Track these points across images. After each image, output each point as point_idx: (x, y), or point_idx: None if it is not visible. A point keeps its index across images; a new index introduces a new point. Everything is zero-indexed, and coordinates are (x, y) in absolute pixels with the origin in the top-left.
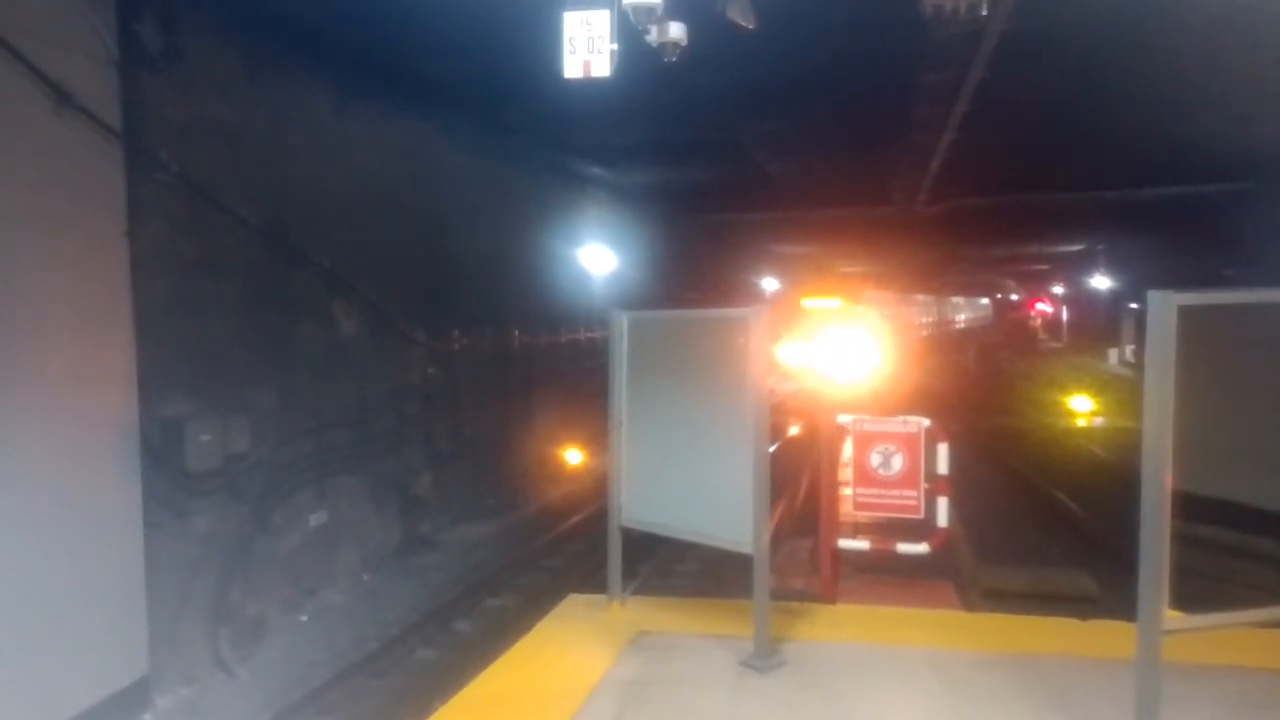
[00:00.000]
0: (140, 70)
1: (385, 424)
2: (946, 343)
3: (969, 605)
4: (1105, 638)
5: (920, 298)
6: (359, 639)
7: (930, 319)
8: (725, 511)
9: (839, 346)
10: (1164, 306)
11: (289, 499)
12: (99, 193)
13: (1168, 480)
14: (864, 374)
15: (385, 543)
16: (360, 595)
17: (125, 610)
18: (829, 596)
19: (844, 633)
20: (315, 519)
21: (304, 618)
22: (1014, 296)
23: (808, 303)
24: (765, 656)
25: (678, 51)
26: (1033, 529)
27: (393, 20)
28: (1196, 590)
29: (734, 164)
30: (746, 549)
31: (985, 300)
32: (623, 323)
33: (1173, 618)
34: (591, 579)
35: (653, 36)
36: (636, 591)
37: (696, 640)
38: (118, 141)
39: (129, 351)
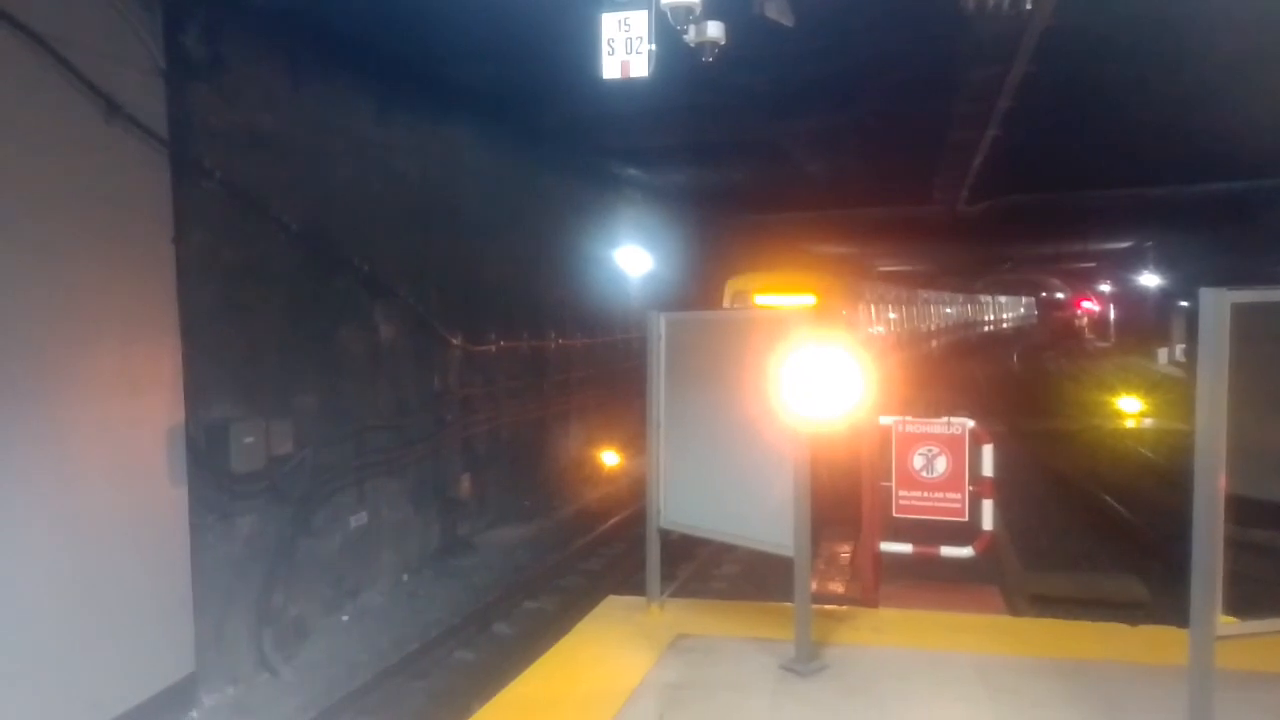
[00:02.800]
0: (186, 80)
1: (424, 427)
2: (978, 353)
3: (1015, 610)
4: (1156, 643)
5: (941, 294)
6: (399, 640)
7: (955, 320)
8: (765, 513)
9: (809, 366)
10: (1217, 304)
11: (330, 501)
12: (147, 201)
13: (1221, 483)
14: (846, 407)
15: (424, 544)
16: (400, 596)
17: (173, 610)
18: (870, 600)
19: (886, 637)
20: (356, 521)
21: (345, 618)
22: (1059, 295)
23: (764, 300)
24: (806, 660)
25: (715, 51)
26: (1080, 533)
27: (432, 27)
28: (1251, 595)
29: (772, 164)
30: (787, 551)
31: (1030, 298)
32: (660, 324)
33: (1226, 623)
34: (629, 582)
35: (691, 36)
36: (675, 594)
37: (736, 643)
38: (164, 150)
39: (175, 356)
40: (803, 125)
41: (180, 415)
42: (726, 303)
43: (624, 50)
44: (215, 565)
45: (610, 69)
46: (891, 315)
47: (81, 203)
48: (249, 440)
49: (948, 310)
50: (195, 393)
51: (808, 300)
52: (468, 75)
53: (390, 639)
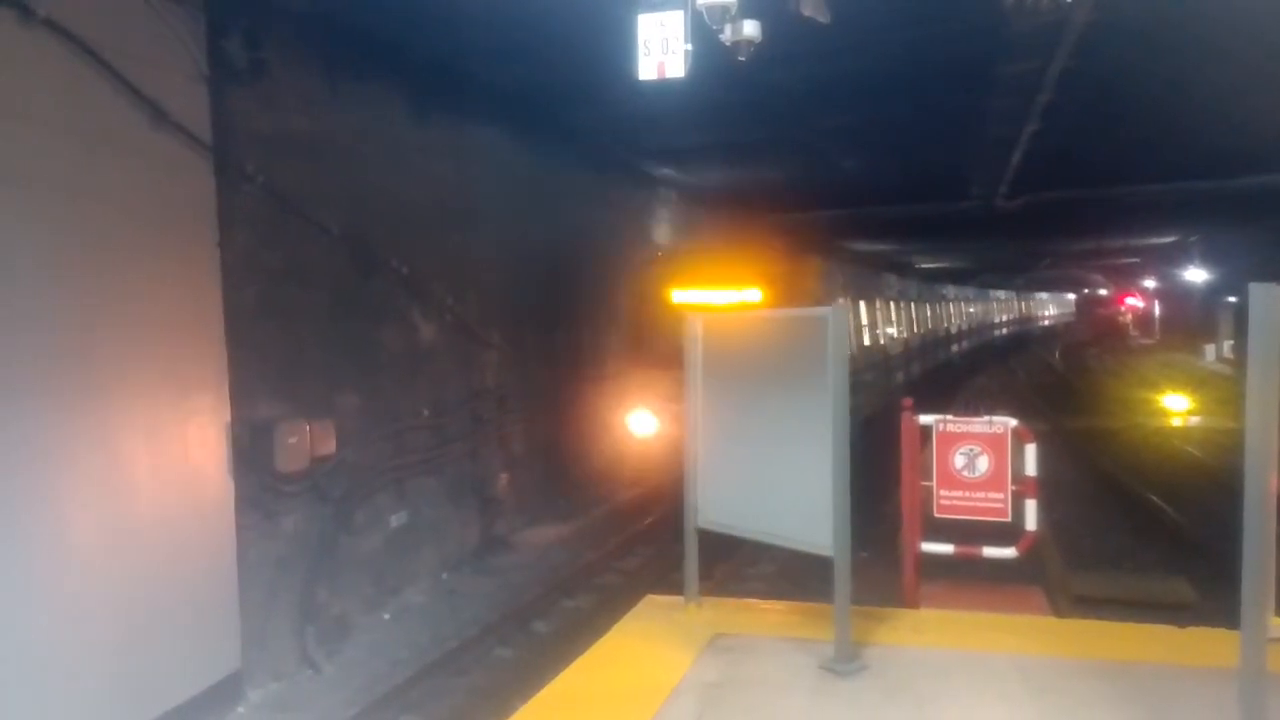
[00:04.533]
0: (228, 85)
1: (462, 426)
2: (1016, 353)
3: (1059, 612)
4: (1205, 645)
5: (965, 290)
6: (439, 637)
7: (983, 319)
8: (804, 513)
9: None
10: (1268, 299)
11: (371, 500)
12: (192, 204)
13: (1272, 482)
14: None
15: (463, 543)
16: (440, 594)
17: (219, 607)
18: (911, 601)
19: (927, 638)
20: (396, 519)
21: (386, 616)
22: (1102, 291)
23: (684, 297)
24: (846, 660)
25: (751, 50)
26: (1125, 533)
27: (467, 29)
28: None
29: (806, 161)
30: (826, 551)
31: (1072, 295)
32: (697, 324)
33: (1279, 625)
34: (665, 581)
35: (727, 35)
36: (712, 593)
37: (775, 643)
38: (208, 155)
39: (221, 357)
40: (837, 122)
41: (226, 416)
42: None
43: (660, 50)
44: (260, 563)
45: (646, 70)
46: (892, 317)
47: (130, 207)
48: (292, 440)
49: (971, 310)
50: (240, 393)
51: (752, 296)
52: (503, 77)
53: (431, 636)
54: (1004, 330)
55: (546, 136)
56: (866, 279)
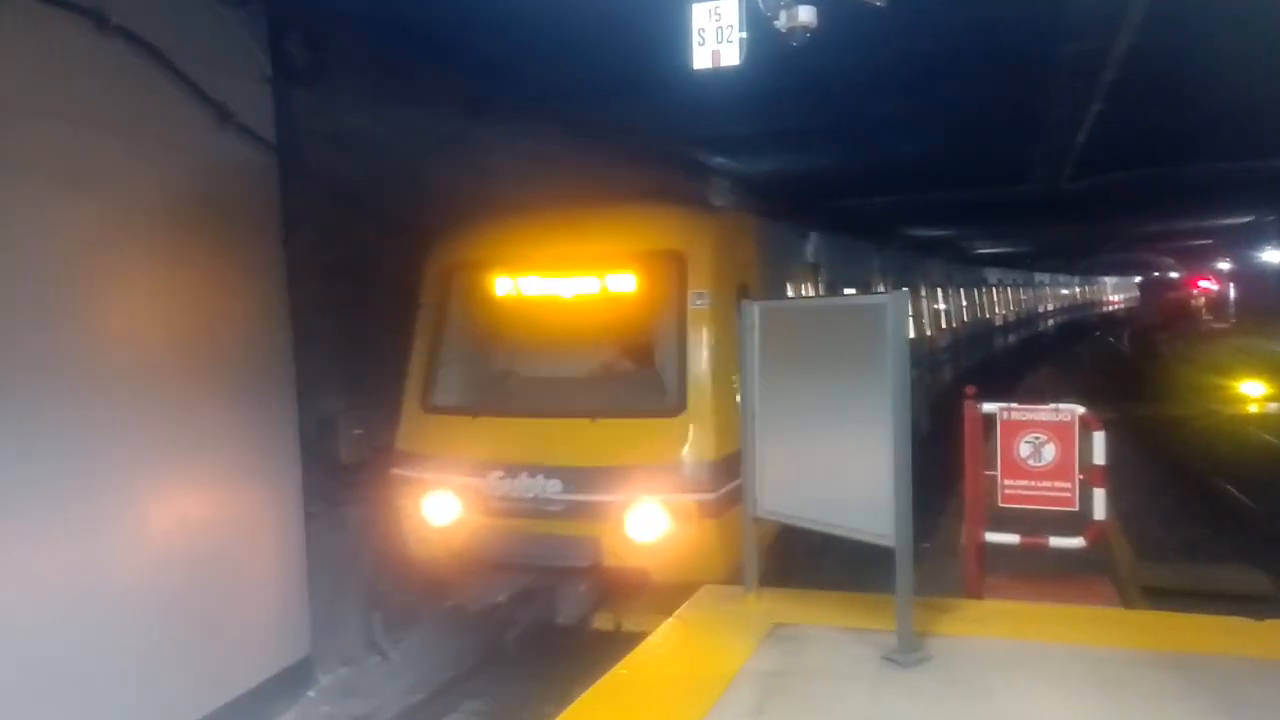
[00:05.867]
0: (290, 85)
1: None
2: (1083, 339)
3: (1128, 603)
4: None
5: (1010, 273)
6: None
7: (1032, 308)
8: (864, 502)
9: None
10: None
11: None
12: (257, 204)
13: None
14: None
15: None
16: None
17: (290, 595)
18: (974, 592)
19: (991, 629)
20: None
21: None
22: (1173, 275)
23: (511, 287)
24: (908, 651)
25: (806, 36)
26: (1198, 523)
27: (523, 27)
28: None
29: (861, 147)
30: (888, 541)
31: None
32: (754, 313)
33: None
34: None
35: (781, 22)
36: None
37: (835, 633)
38: (272, 154)
39: (288, 353)
40: (893, 105)
41: (293, 409)
42: (429, 286)
43: (714, 40)
44: (327, 552)
45: (701, 59)
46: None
47: (199, 208)
48: (357, 432)
49: (1023, 297)
50: (306, 388)
51: (622, 284)
52: (555, 71)
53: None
54: (1061, 319)
55: (599, 128)
56: (855, 260)
